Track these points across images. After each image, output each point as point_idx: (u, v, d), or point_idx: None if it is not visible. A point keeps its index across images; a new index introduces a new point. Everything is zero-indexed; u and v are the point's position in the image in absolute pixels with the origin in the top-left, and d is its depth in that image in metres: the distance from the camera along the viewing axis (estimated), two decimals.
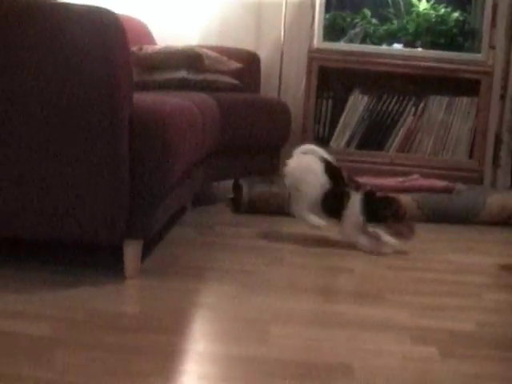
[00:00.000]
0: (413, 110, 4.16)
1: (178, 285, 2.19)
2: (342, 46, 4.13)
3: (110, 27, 2.03)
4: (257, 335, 1.81)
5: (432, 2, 4.27)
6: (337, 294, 2.20)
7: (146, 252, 2.40)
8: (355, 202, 2.72)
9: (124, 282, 2.18)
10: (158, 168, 2.14)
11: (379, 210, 2.73)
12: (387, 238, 2.72)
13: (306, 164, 2.84)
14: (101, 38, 2.02)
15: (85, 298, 2.01)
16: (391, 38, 4.26)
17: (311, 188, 2.78)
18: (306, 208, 2.80)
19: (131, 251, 2.21)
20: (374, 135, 4.16)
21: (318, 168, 2.79)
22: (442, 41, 4.24)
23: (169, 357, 1.64)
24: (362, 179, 3.43)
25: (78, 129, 2.04)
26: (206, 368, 1.60)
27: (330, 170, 2.80)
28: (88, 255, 2.43)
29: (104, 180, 2.07)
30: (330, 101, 4.20)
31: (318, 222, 2.78)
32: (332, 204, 2.76)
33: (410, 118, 4.14)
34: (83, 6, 2.02)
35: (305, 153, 2.91)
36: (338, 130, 4.18)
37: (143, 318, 1.89)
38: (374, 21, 4.27)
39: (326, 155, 2.87)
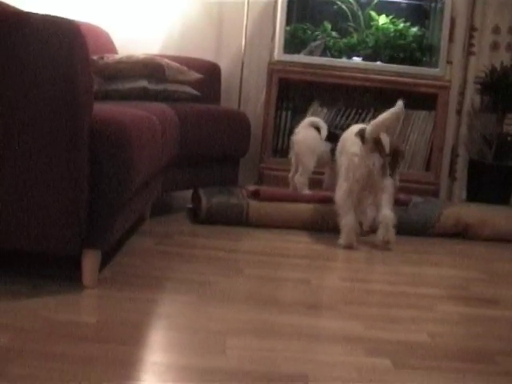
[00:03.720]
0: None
1: (135, 295, 2.20)
2: (302, 58, 4.17)
3: (70, 36, 2.03)
4: (214, 346, 1.83)
5: (391, 17, 4.34)
6: (293, 305, 2.22)
7: (104, 261, 2.40)
8: None
9: (82, 291, 2.18)
10: (116, 178, 2.14)
11: None
12: None
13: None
14: (61, 47, 2.01)
15: (42, 308, 2.00)
16: (351, 51, 4.32)
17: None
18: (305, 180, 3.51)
19: (89, 261, 2.21)
20: (332, 147, 4.19)
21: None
22: (401, 55, 4.31)
23: (126, 367, 1.64)
24: (319, 192, 3.48)
25: (36, 138, 2.04)
26: (163, 379, 1.61)
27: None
28: (46, 265, 2.42)
29: (63, 190, 2.07)
30: (290, 112, 4.24)
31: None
32: None
33: None
34: (43, 15, 2.02)
35: (311, 125, 3.55)
36: None
37: (100, 327, 1.90)
38: (334, 34, 4.32)
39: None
